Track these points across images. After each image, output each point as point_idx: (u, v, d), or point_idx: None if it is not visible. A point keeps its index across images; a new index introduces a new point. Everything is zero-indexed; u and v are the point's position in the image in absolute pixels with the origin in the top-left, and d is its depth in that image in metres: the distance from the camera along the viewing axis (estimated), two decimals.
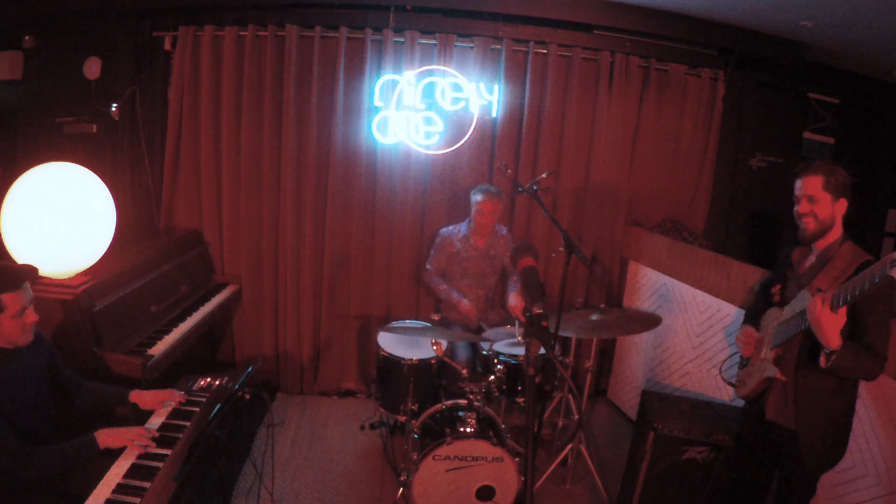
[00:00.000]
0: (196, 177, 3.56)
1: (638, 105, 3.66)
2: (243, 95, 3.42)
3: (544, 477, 2.90)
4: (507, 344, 2.97)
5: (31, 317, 1.80)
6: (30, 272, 1.82)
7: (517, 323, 2.91)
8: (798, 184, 1.93)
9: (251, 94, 3.42)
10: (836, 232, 1.90)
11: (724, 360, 2.68)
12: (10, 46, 3.57)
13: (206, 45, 3.38)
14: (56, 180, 2.34)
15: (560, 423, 3.31)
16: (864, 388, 2.15)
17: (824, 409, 1.89)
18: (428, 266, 3.39)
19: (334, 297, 3.71)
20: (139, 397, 2.11)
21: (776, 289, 2.08)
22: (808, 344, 1.86)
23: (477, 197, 3.20)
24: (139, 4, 3.39)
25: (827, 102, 3.98)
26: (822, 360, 1.73)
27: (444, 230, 3.37)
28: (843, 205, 1.88)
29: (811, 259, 1.97)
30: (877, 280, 1.53)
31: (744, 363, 2.19)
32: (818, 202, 1.88)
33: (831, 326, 1.67)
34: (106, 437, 1.83)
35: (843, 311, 1.66)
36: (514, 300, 3.22)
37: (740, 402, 2.30)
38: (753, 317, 2.21)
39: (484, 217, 3.19)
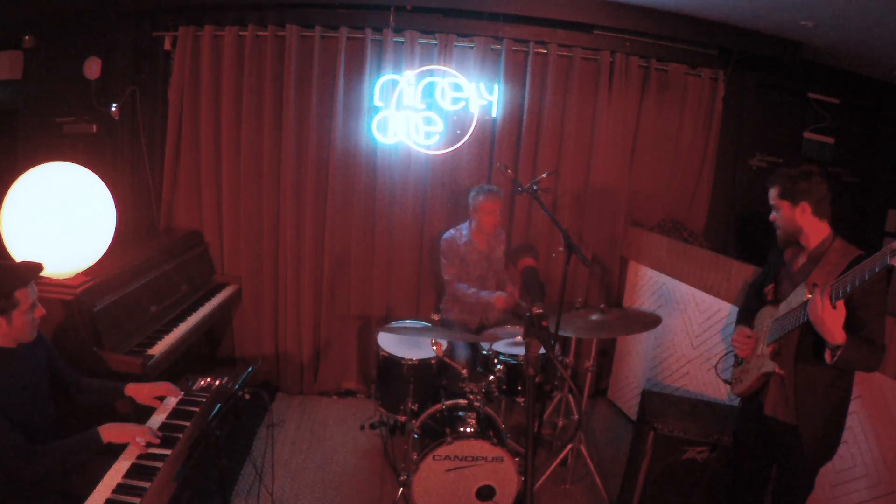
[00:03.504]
0: (196, 177, 3.56)
1: (638, 105, 3.66)
2: (243, 95, 3.42)
3: (544, 477, 2.90)
4: (507, 344, 2.97)
5: (40, 311, 1.85)
6: (37, 269, 1.86)
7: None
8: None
9: (251, 94, 3.41)
10: (823, 231, 1.95)
11: (720, 358, 2.69)
12: (10, 46, 3.56)
13: (206, 45, 3.38)
14: (56, 180, 2.34)
15: (560, 423, 3.32)
16: (863, 388, 2.16)
17: (823, 401, 1.92)
18: (447, 277, 3.28)
19: (334, 297, 3.71)
20: (135, 391, 2.12)
21: (769, 288, 2.11)
22: (808, 338, 1.88)
23: (480, 197, 3.17)
24: (139, 4, 3.38)
25: (827, 102, 3.98)
26: (828, 357, 1.76)
27: (447, 235, 3.32)
28: (805, 208, 1.93)
29: (803, 258, 2.01)
30: (877, 269, 1.56)
31: (739, 361, 2.20)
32: (778, 210, 2.00)
33: (834, 322, 1.70)
34: (110, 432, 1.84)
35: (841, 304, 1.69)
36: (508, 291, 3.25)
37: (738, 401, 2.30)
38: (747, 317, 2.23)
39: (490, 216, 3.18)
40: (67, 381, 2.06)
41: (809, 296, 1.82)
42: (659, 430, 2.43)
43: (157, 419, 2.08)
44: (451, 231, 3.33)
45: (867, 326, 1.78)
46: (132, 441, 1.86)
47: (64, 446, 1.78)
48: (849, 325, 1.73)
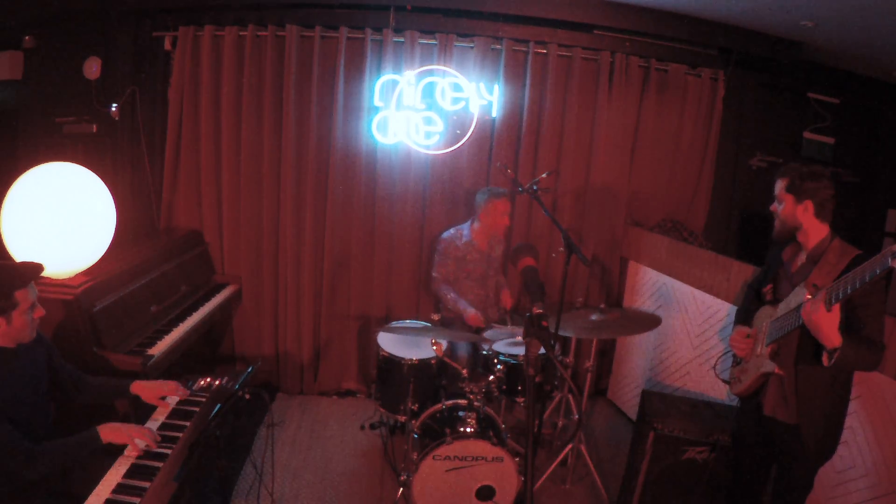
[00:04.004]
0: (196, 177, 3.56)
1: (638, 105, 3.66)
2: (243, 95, 3.42)
3: (544, 477, 2.90)
4: (507, 344, 2.97)
5: (39, 312, 1.85)
6: (37, 269, 1.86)
7: (509, 318, 2.94)
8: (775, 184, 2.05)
9: (251, 94, 3.42)
10: (822, 231, 1.95)
11: (719, 358, 2.69)
12: (10, 46, 3.57)
13: (206, 45, 3.38)
14: (56, 180, 2.34)
15: (560, 423, 3.31)
16: (863, 388, 2.16)
17: (823, 401, 1.91)
18: (434, 274, 3.33)
19: (334, 297, 3.71)
20: (141, 389, 2.12)
21: (768, 288, 2.10)
22: (808, 339, 1.87)
23: (494, 200, 3.17)
24: (139, 4, 3.38)
25: (827, 102, 3.98)
26: (825, 359, 1.75)
27: (445, 235, 3.33)
28: (808, 207, 1.93)
29: (802, 257, 2.01)
30: (877, 271, 1.56)
31: (738, 361, 2.20)
32: (782, 203, 1.99)
33: (829, 325, 1.70)
34: (109, 432, 1.83)
35: (836, 307, 1.69)
36: (503, 297, 3.32)
37: (738, 401, 2.30)
38: (745, 317, 2.23)
39: (504, 217, 3.20)
40: (68, 381, 2.06)
41: (809, 296, 1.82)
42: (659, 430, 2.42)
43: (157, 419, 2.08)
44: (452, 231, 3.33)
45: (867, 326, 1.78)
46: (131, 442, 1.86)
47: (63, 446, 1.78)
48: (848, 325, 1.73)
